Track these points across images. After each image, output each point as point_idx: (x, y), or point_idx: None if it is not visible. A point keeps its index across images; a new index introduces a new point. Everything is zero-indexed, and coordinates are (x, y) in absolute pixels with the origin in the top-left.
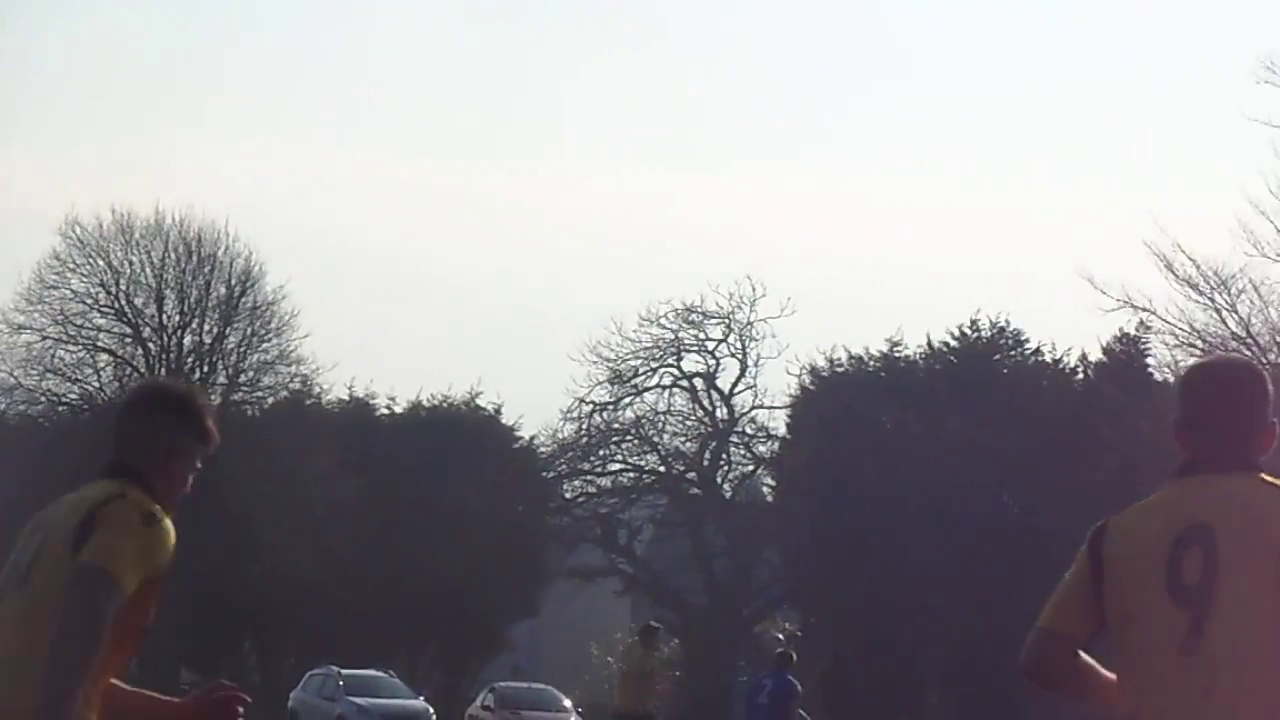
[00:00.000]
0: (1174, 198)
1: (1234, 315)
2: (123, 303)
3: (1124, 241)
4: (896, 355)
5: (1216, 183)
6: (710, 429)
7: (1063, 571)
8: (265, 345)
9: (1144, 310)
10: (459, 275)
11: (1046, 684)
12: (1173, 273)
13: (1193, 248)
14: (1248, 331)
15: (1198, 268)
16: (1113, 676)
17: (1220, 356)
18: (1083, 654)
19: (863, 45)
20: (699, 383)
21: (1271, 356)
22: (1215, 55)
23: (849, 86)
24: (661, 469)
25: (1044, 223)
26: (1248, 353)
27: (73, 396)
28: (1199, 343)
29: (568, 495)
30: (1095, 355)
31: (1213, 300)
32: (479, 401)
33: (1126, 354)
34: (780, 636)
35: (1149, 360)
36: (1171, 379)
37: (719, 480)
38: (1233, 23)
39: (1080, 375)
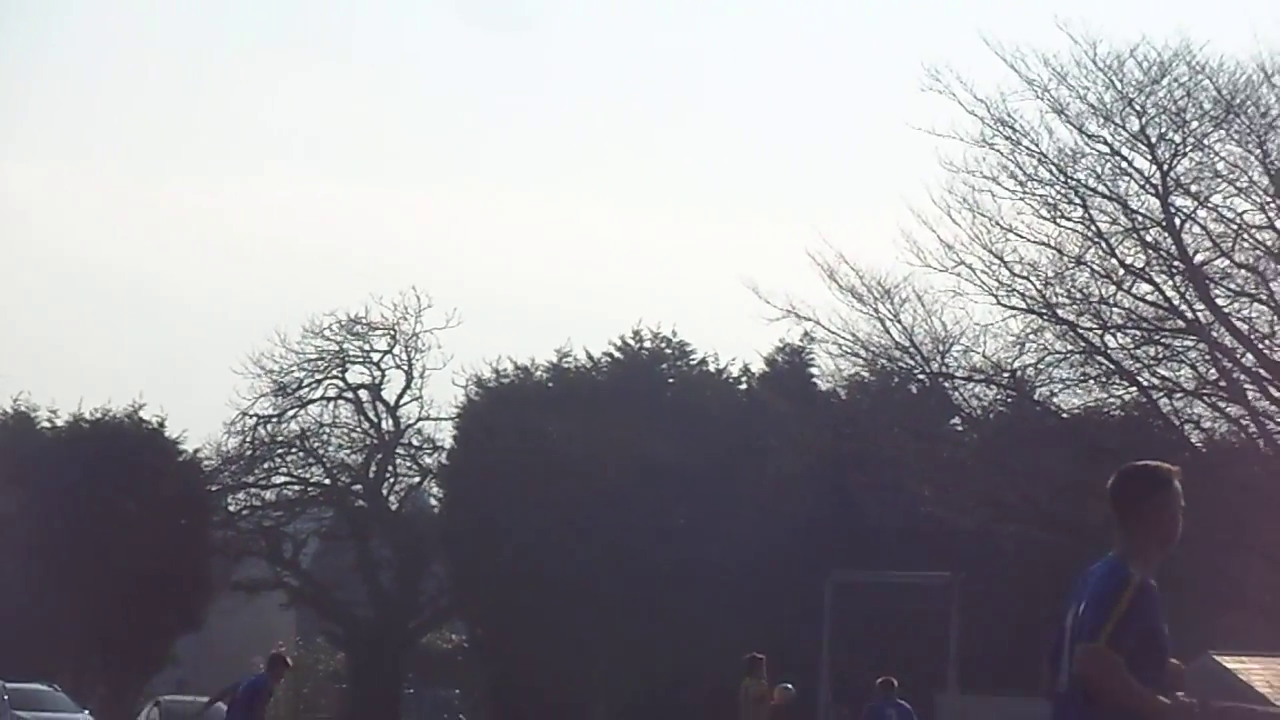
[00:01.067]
0: (840, 208)
1: (897, 325)
2: None
3: (789, 251)
4: (565, 366)
5: (881, 193)
6: (376, 441)
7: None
8: None
9: (808, 320)
10: (135, 286)
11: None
12: (836, 282)
13: (857, 258)
14: (911, 341)
15: (861, 278)
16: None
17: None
18: None
19: (520, 61)
20: (364, 394)
21: (934, 366)
22: (881, 63)
23: (512, 101)
24: (327, 482)
25: (711, 233)
26: (911, 362)
27: None
28: (862, 352)
29: (232, 508)
30: (759, 366)
31: (876, 310)
32: (142, 414)
33: (790, 364)
34: (449, 646)
35: (812, 370)
36: (836, 388)
37: (385, 492)
38: (898, 30)
39: (744, 385)
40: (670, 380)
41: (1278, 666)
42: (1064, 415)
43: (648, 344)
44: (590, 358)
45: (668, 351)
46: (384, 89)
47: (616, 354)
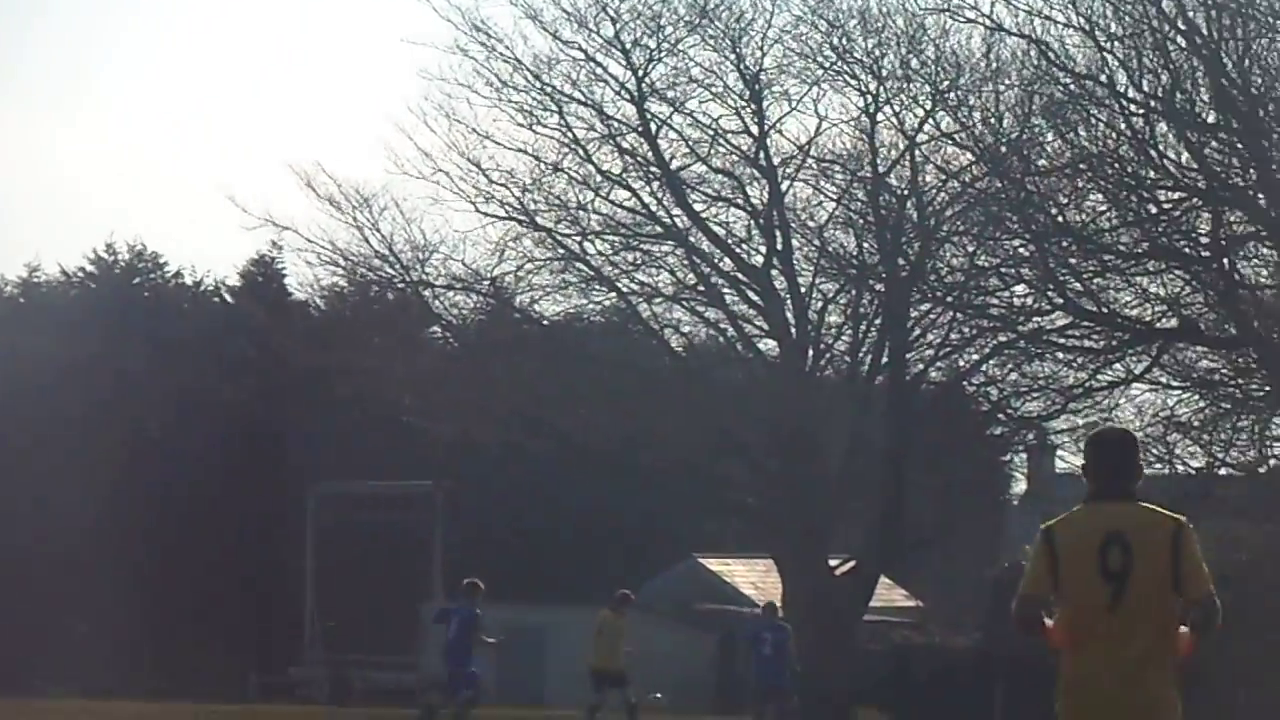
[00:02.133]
0: (318, 116)
1: (376, 233)
2: None
3: (268, 161)
4: (36, 281)
5: (360, 101)
6: None
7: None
8: None
9: (286, 229)
10: None
11: (1028, 630)
12: (314, 191)
13: (335, 166)
14: (390, 250)
15: (339, 186)
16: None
17: (1109, 427)
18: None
19: None
20: None
21: (414, 274)
22: None
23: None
24: None
25: (188, 140)
26: (391, 271)
27: None
28: (341, 261)
29: None
30: (235, 279)
31: (355, 219)
32: None
33: (266, 274)
34: None
35: (287, 279)
36: (316, 298)
37: None
38: None
39: (221, 297)
40: (146, 295)
41: (761, 567)
42: (544, 322)
43: (123, 257)
44: (65, 273)
45: (141, 265)
46: None
47: (90, 268)
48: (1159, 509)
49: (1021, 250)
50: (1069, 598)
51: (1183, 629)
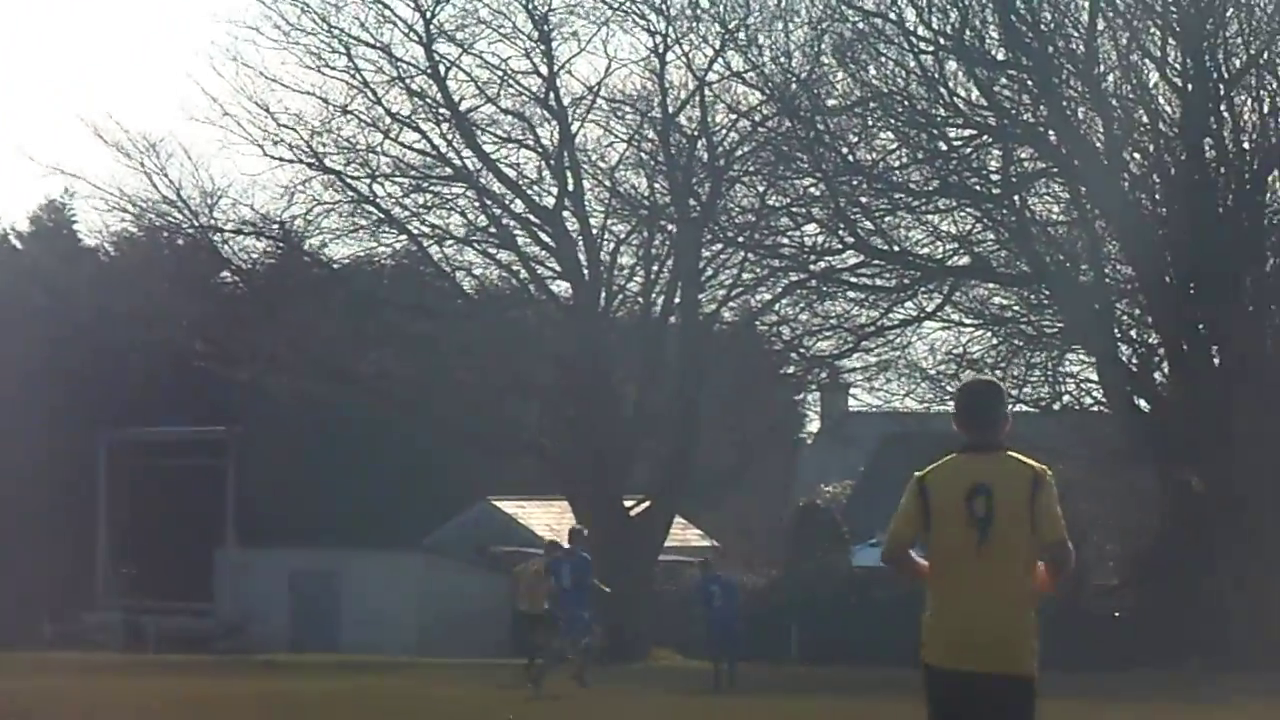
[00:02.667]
0: (107, 63)
1: (164, 179)
2: None
3: (56, 108)
4: None
5: (149, 47)
6: None
7: None
8: None
9: (74, 176)
10: None
11: (896, 567)
12: (102, 139)
13: (124, 113)
14: (179, 195)
15: (127, 133)
16: (926, 564)
17: (976, 379)
18: (912, 551)
19: None
20: None
21: (203, 219)
22: None
23: None
24: None
25: None
26: (179, 216)
27: None
28: (130, 207)
29: None
30: (25, 225)
31: (143, 164)
32: None
33: (55, 221)
34: None
35: (77, 226)
36: (106, 244)
37: None
38: None
39: (10, 243)
40: None
41: (555, 508)
42: (334, 266)
43: None
44: None
45: None
46: None
47: None
48: (1023, 459)
49: (812, 189)
50: (939, 540)
51: (1040, 566)
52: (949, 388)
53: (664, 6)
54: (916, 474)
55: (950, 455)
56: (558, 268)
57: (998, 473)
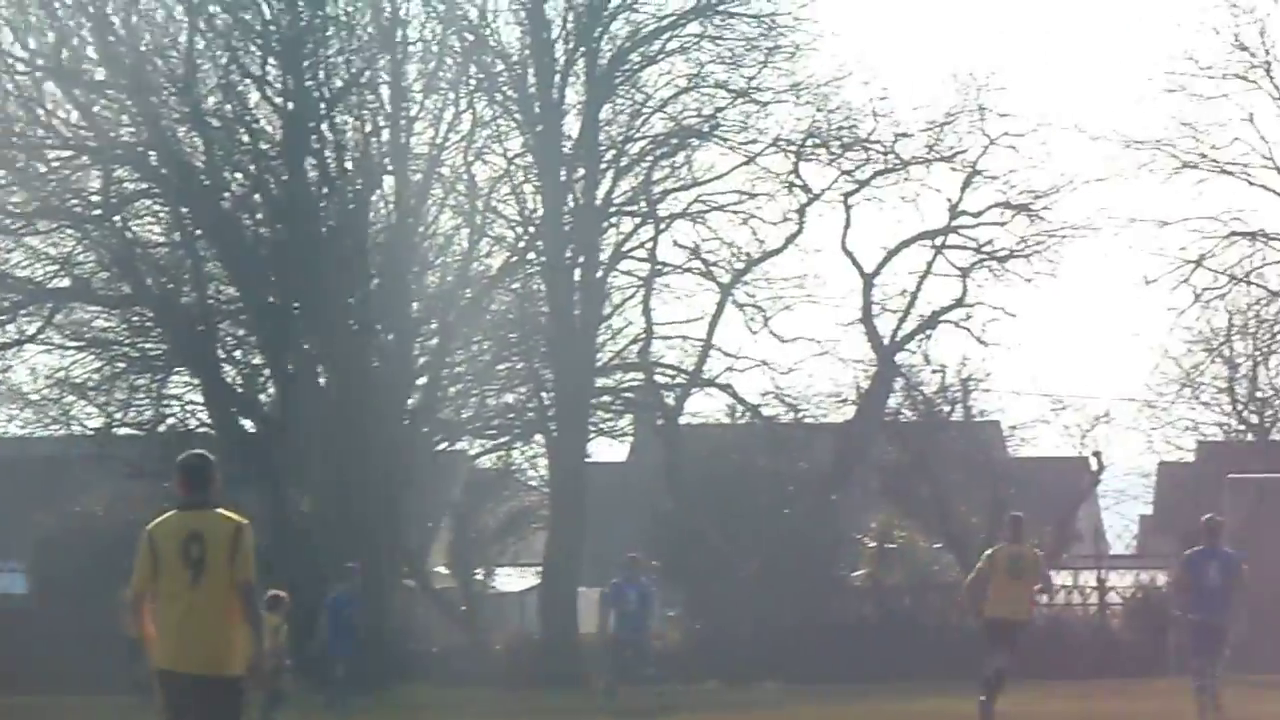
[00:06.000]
0: None
1: None
2: None
3: None
4: None
5: None
6: None
7: None
8: None
9: None
10: None
11: (132, 614)
12: None
13: None
14: None
15: None
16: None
17: (191, 453)
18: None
19: None
20: None
21: None
22: None
23: None
24: None
25: None
26: None
27: None
28: None
29: None
30: None
31: None
32: None
33: None
34: None
35: None
36: None
37: None
38: None
39: None
40: None
41: None
42: None
43: None
44: None
45: None
46: None
47: None
48: (229, 515)
49: None
50: (163, 577)
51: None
52: (53, 413)
53: None
54: (147, 528)
55: (171, 511)
56: None
57: (207, 524)
